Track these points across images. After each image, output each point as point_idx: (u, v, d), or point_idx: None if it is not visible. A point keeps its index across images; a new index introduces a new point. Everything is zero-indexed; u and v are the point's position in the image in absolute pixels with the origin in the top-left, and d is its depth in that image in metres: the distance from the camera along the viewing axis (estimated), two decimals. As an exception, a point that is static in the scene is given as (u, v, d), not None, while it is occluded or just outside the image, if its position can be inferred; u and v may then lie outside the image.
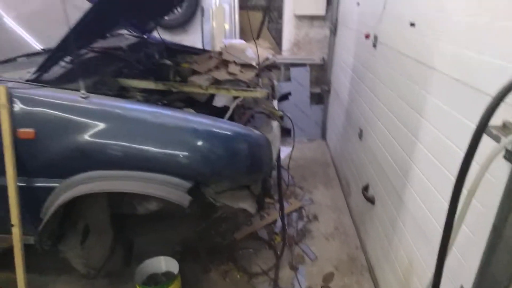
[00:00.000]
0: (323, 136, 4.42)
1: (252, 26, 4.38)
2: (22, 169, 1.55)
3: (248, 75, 2.60)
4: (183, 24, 4.31)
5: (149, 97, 1.92)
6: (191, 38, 4.36)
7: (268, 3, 4.46)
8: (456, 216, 0.94)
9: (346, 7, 3.43)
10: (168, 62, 2.60)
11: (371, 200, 2.29)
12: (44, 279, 2.22)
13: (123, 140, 1.52)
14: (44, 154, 1.54)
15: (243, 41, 3.37)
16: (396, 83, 1.98)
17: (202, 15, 4.21)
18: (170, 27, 4.28)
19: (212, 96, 2.42)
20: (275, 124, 1.94)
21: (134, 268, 2.06)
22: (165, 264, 2.16)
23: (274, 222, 2.81)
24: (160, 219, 2.40)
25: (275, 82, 2.74)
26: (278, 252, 2.47)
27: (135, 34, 2.77)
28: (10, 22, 1.99)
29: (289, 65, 4.32)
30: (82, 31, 1.53)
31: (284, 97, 4.33)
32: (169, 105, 1.88)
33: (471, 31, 1.26)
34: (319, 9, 3.99)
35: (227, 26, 4.18)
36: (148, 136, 1.54)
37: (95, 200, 1.79)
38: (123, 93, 1.89)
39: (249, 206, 1.68)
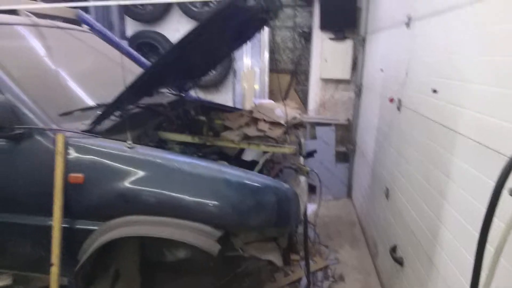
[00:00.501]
0: (349, 194, 4.40)
1: (281, 87, 4.66)
2: (66, 211, 1.68)
3: (277, 132, 2.75)
4: (217, 84, 4.65)
5: (186, 149, 2.07)
6: (223, 97, 4.68)
7: (295, 67, 4.78)
8: (484, 275, 0.95)
9: (370, 72, 3.64)
10: (202, 118, 2.81)
11: (399, 262, 2.24)
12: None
13: (161, 188, 1.63)
14: (89, 198, 1.67)
15: (272, 101, 3.60)
16: (421, 145, 2.05)
17: (234, 76, 4.55)
18: (205, 87, 4.63)
19: (241, 151, 2.56)
20: (302, 179, 2.02)
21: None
22: (188, 316, 2.14)
23: (299, 280, 2.74)
24: (185, 272, 2.43)
25: (302, 140, 2.86)
26: (302, 313, 2.39)
27: (174, 92, 3.03)
28: (68, 80, 2.28)
29: (315, 124, 4.48)
30: (135, 90, 1.74)
31: (310, 155, 4.41)
32: (204, 157, 2.01)
33: (489, 98, 1.35)
34: (344, 73, 4.23)
35: (257, 87, 4.48)
36: (184, 184, 1.65)
37: (127, 245, 1.87)
38: (162, 145, 2.06)
39: (275, 258, 1.70)
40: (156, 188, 1.63)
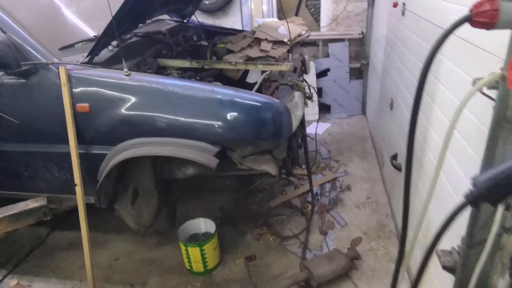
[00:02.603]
0: (363, 111, 4.39)
1: (291, 4, 4.43)
2: (80, 138, 1.86)
3: (279, 52, 2.72)
4: (223, 7, 4.48)
5: (184, 74, 2.14)
6: (231, 20, 4.54)
7: (305, -20, 4.45)
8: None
9: (382, -24, 3.35)
10: (204, 43, 2.82)
11: (398, 168, 2.33)
12: (106, 237, 2.61)
13: (157, 111, 1.76)
14: (97, 125, 1.83)
15: (276, 19, 3.47)
16: (421, 50, 1.98)
17: (240, -3, 4.35)
18: (211, 11, 4.48)
19: (245, 74, 2.60)
20: (297, 94, 2.06)
21: (177, 227, 2.34)
22: (204, 225, 2.42)
23: (307, 192, 2.94)
24: (203, 190, 2.67)
25: (306, 57, 2.82)
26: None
27: (175, 19, 3.01)
28: (70, 15, 2.32)
29: (327, 41, 4.32)
30: (123, 18, 1.77)
31: (323, 74, 4.36)
32: (201, 80, 2.08)
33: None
34: (356, -19, 3.92)
35: (264, 7, 4.29)
36: (179, 106, 1.76)
37: (140, 165, 2.07)
38: (161, 71, 2.13)
39: (271, 168, 1.84)
40: (153, 112, 1.75)
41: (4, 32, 1.79)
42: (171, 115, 1.75)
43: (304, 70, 2.66)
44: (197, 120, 1.75)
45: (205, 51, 2.77)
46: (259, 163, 1.84)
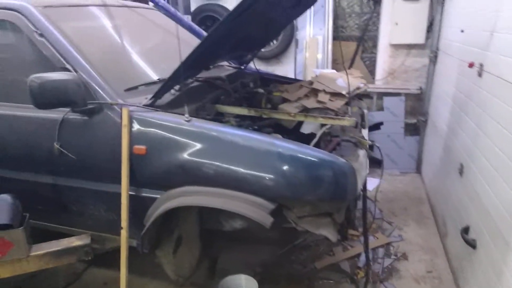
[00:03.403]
0: (418, 169, 4.10)
1: (345, 56, 4.41)
2: (132, 180, 1.82)
3: (338, 104, 2.62)
4: (278, 55, 4.55)
5: (242, 122, 2.08)
6: (285, 68, 4.58)
7: (362, 33, 4.45)
8: None
9: (448, 34, 3.24)
10: (261, 90, 2.79)
11: (471, 244, 2.05)
12: (141, 281, 2.49)
13: (216, 160, 1.68)
14: (151, 168, 1.78)
15: (334, 71, 3.42)
16: (506, 116, 1.79)
17: (296, 46, 4.40)
18: (265, 58, 4.56)
19: (299, 124, 2.51)
20: (361, 153, 1.91)
21: (217, 282, 2.18)
22: (246, 283, 2.23)
23: (358, 255, 2.68)
24: (244, 241, 2.52)
25: (365, 111, 2.70)
26: (360, 288, 2.34)
27: (233, 65, 3.04)
28: (134, 55, 2.40)
29: (382, 95, 4.19)
30: (190, 64, 1.77)
31: (376, 127, 4.19)
32: (259, 130, 2.01)
33: None
34: (418, 37, 3.83)
35: (319, 56, 4.29)
36: (238, 157, 1.67)
37: (188, 213, 1.98)
38: (219, 118, 2.09)
39: (330, 233, 1.67)
40: (211, 160, 1.68)
41: (76, 71, 1.84)
42: (228, 165, 1.66)
43: (363, 124, 2.53)
44: (254, 173, 1.64)
45: (260, 99, 2.73)
46: (317, 227, 1.68)
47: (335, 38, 4.43)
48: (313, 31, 4.28)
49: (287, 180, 1.62)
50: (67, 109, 1.85)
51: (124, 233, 1.83)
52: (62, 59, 1.85)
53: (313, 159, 1.63)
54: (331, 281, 2.48)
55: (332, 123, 2.08)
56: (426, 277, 2.48)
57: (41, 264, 1.89)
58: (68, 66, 1.83)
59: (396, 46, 4.07)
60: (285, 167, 1.63)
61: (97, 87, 1.83)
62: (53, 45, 1.87)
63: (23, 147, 2.00)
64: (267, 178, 1.63)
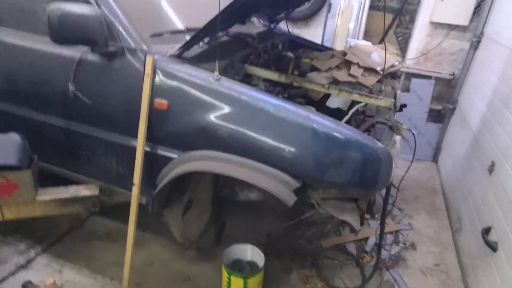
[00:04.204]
0: (435, 158, 3.97)
1: (378, 28, 4.12)
2: (150, 136, 1.69)
3: (371, 80, 2.44)
4: (307, 17, 4.24)
5: (271, 87, 1.92)
6: (312, 33, 4.29)
7: (402, 5, 4.12)
8: None
9: (500, 19, 2.96)
10: (290, 54, 2.59)
11: (492, 246, 1.96)
12: (144, 236, 2.44)
13: (243, 127, 1.54)
14: (171, 126, 1.65)
15: (370, 43, 3.18)
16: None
17: (328, 11, 4.10)
18: (293, 19, 4.25)
19: (326, 96, 2.33)
20: (398, 138, 1.77)
21: (222, 249, 2.12)
22: (251, 253, 2.18)
23: (366, 239, 2.62)
24: (252, 209, 2.44)
25: (398, 92, 2.52)
26: (366, 273, 2.30)
27: (264, 23, 2.81)
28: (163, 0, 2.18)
29: (410, 75, 3.96)
30: (228, 16, 1.58)
31: (399, 109, 4.00)
32: (290, 99, 1.85)
33: None
34: (462, 18, 3.53)
35: (351, 25, 4.00)
36: (267, 127, 1.53)
37: (203, 178, 1.87)
38: (247, 79, 1.93)
39: (353, 220, 1.57)
40: (238, 126, 1.54)
41: (99, 6, 1.65)
42: (256, 134, 1.52)
43: (396, 107, 2.36)
44: (283, 147, 1.50)
45: (288, 63, 2.54)
46: (342, 211, 1.58)
47: (372, 7, 4.12)
48: (350, -3, 3.96)
49: (318, 159, 1.49)
50: (86, 48, 1.68)
51: (135, 189, 1.74)
52: (84, -11, 1.65)
53: (349, 139, 1.49)
54: (336, 261, 2.44)
55: (368, 102, 1.91)
56: (433, 269, 2.43)
57: (46, 210, 1.82)
58: (91, -1, 1.64)
59: (436, 25, 3.77)
60: (318, 145, 1.49)
61: (121, 29, 1.65)
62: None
63: (35, 84, 1.85)
64: (296, 154, 1.50)
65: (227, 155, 1.58)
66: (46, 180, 1.93)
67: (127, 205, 1.81)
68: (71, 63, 1.71)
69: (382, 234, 2.12)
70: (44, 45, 1.75)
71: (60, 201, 1.82)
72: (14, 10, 1.88)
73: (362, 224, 2.31)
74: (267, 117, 1.53)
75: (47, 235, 2.33)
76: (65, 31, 1.49)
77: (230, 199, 2.03)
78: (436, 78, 3.88)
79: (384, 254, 2.51)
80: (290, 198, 1.50)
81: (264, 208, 2.16)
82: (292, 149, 1.50)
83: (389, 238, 2.68)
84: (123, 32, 1.64)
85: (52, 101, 1.83)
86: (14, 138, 1.70)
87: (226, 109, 1.55)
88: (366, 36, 4.17)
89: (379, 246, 2.24)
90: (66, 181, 2.02)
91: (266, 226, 2.59)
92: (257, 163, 1.54)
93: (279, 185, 1.51)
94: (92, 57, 1.69)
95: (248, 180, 1.52)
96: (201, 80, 1.59)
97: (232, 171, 1.55)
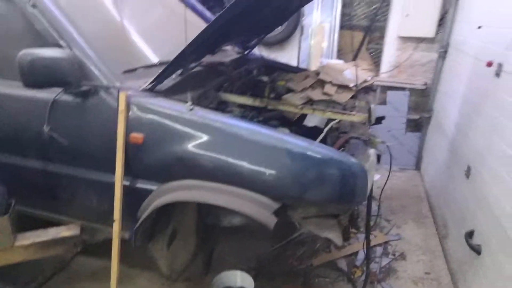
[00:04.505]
0: (417, 166, 4.04)
1: (351, 46, 4.27)
2: (127, 170, 1.69)
3: (344, 97, 2.51)
4: (281, 41, 4.38)
5: (246, 113, 1.96)
6: (287, 55, 4.41)
7: (370, 23, 4.30)
8: None
9: (463, 30, 3.11)
10: (265, 78, 2.65)
11: (476, 250, 1.99)
12: (131, 272, 2.38)
13: (218, 153, 1.56)
14: (148, 159, 1.66)
15: (341, 61, 3.29)
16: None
17: (301, 33, 4.24)
18: (268, 44, 4.38)
19: (303, 115, 2.39)
20: (372, 152, 1.81)
21: (211, 277, 2.09)
22: (241, 280, 2.15)
23: (355, 253, 2.62)
24: (239, 234, 2.43)
25: (373, 106, 2.59)
26: (358, 288, 2.29)
27: (237, 50, 2.89)
28: (134, 35, 2.23)
29: (386, 88, 4.08)
30: (197, 48, 1.63)
31: (377, 121, 4.09)
32: (265, 122, 1.89)
33: None
34: (428, 30, 3.70)
35: (325, 45, 4.14)
36: (242, 151, 1.56)
37: (185, 207, 1.87)
38: (222, 106, 1.97)
39: (335, 237, 1.58)
40: (214, 153, 1.56)
41: (71, 48, 1.69)
42: (231, 159, 1.54)
43: (370, 121, 2.42)
44: (259, 170, 1.53)
45: (264, 87, 2.60)
46: (323, 229, 1.59)
47: (342, 26, 4.28)
48: (320, 18, 4.12)
49: (294, 179, 1.52)
50: (59, 90, 1.70)
51: (116, 225, 1.72)
52: (55, 34, 1.69)
53: (323, 158, 1.53)
54: (327, 279, 2.42)
55: (342, 118, 1.97)
56: (424, 278, 2.43)
57: (26, 255, 1.78)
58: (62, 42, 1.67)
59: (405, 39, 3.94)
60: (293, 165, 1.52)
61: (93, 68, 1.68)
62: (46, 17, 1.70)
63: (10, 128, 1.85)
64: (272, 175, 1.53)
65: (205, 183, 1.59)
66: (25, 222, 1.90)
67: (110, 242, 1.79)
68: (45, 105, 1.72)
69: (368, 247, 2.14)
70: (17, 89, 1.76)
71: (40, 244, 1.79)
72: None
73: (347, 239, 2.34)
74: (241, 142, 1.56)
75: (31, 281, 2.27)
76: (36, 75, 1.52)
77: (215, 226, 2.03)
78: (411, 89, 4.00)
79: (375, 266, 2.52)
80: (270, 221, 1.51)
81: (249, 232, 2.16)
82: (269, 172, 1.53)
83: (379, 250, 2.69)
84: (95, 71, 1.68)
85: (28, 144, 1.83)
86: (-10, 184, 1.69)
87: (201, 138, 1.58)
88: (340, 55, 4.32)
89: (367, 260, 2.25)
90: (48, 223, 1.99)
91: (254, 249, 2.58)
92: (235, 188, 1.56)
93: (258, 208, 1.52)
94: (66, 97, 1.71)
95: (227, 206, 1.53)
96: (174, 111, 1.62)
97: (211, 199, 1.56)
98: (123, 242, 1.82)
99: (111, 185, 1.70)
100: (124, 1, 2.34)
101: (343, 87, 2.64)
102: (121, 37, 2.10)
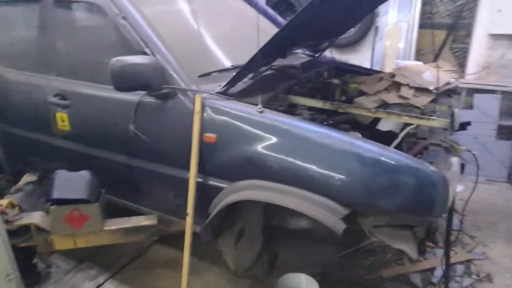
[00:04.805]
0: (510, 179, 3.60)
1: (432, 46, 3.97)
2: (201, 168, 1.79)
3: (423, 101, 2.35)
4: (354, 42, 4.26)
5: (316, 115, 1.94)
6: (360, 57, 4.27)
7: (455, 21, 3.95)
8: None
9: None
10: (335, 81, 2.60)
11: None
12: (200, 265, 2.52)
13: (287, 155, 1.58)
14: (219, 158, 1.74)
15: (420, 63, 3.08)
16: None
17: (376, 34, 4.07)
18: (340, 46, 4.29)
19: (376, 119, 2.29)
20: (455, 160, 1.66)
21: (276, 277, 2.11)
22: (306, 284, 2.12)
23: (432, 269, 2.43)
24: (306, 238, 2.40)
25: (456, 111, 2.38)
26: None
27: (308, 53, 2.88)
28: (209, 40, 2.36)
29: (472, 91, 3.71)
30: (269, 52, 1.67)
31: (462, 127, 3.73)
32: (335, 126, 1.85)
33: None
34: (526, 26, 3.28)
35: (401, 46, 3.92)
36: (311, 155, 1.55)
37: (252, 207, 1.92)
38: (292, 109, 1.97)
39: (409, 249, 1.48)
40: (282, 155, 1.58)
41: (154, 55, 1.84)
42: (300, 162, 1.54)
43: (453, 126, 2.22)
44: (328, 174, 1.50)
45: (334, 90, 2.55)
46: (395, 239, 1.50)
47: (422, 25, 4.00)
48: (397, 18, 3.90)
49: (365, 185, 1.46)
50: (143, 93, 1.87)
51: (189, 219, 1.83)
52: (142, 43, 1.86)
53: (397, 164, 1.44)
54: (399, 294, 2.28)
55: (420, 123, 1.84)
56: (514, 306, 2.16)
57: (112, 239, 1.98)
58: (147, 50, 1.84)
59: (496, 37, 3.55)
60: (364, 171, 1.47)
61: (172, 72, 1.82)
62: (134, 28, 1.89)
63: (103, 126, 2.09)
64: (341, 180, 1.49)
65: (274, 184, 1.61)
66: (109, 211, 2.12)
67: (183, 234, 1.91)
68: (131, 106, 1.90)
69: (448, 264, 1.96)
70: (109, 92, 1.98)
71: (124, 230, 1.98)
72: (86, 65, 2.18)
73: (423, 253, 2.16)
74: (310, 144, 1.55)
75: (114, 263, 2.52)
76: (125, 80, 1.69)
77: (282, 228, 2.04)
78: (503, 92, 3.59)
79: (454, 286, 2.30)
80: (339, 226, 1.47)
81: (316, 236, 2.13)
82: (338, 176, 1.50)
83: (460, 268, 2.45)
84: (175, 75, 1.81)
85: (116, 140, 2.04)
86: (85, 175, 1.92)
87: (270, 139, 1.61)
88: (419, 55, 4.04)
89: (446, 277, 2.07)
90: (127, 213, 2.20)
91: (320, 255, 2.53)
92: (303, 191, 1.55)
93: (327, 213, 1.50)
94: (149, 99, 1.87)
95: (295, 208, 1.53)
96: (245, 113, 1.67)
97: (279, 200, 1.57)
98: (194, 235, 1.93)
99: (186, 181, 1.81)
100: (200, 9, 2.49)
101: (421, 90, 2.47)
102: (197, 44, 2.24)
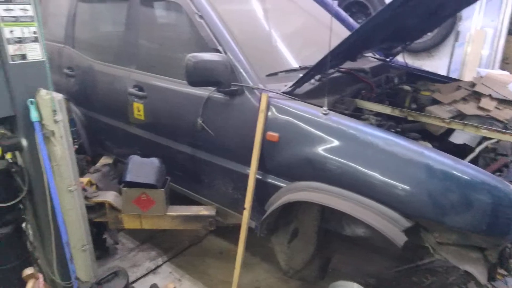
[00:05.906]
0: None
1: (521, 54, 3.59)
2: (261, 165, 1.83)
3: (506, 114, 2.15)
4: (430, 48, 4.01)
5: (383, 122, 1.88)
6: (436, 64, 4.01)
7: (552, 27, 3.53)
8: None
9: None
10: (406, 87, 2.48)
11: None
12: (252, 260, 2.57)
13: (350, 160, 1.55)
14: (280, 157, 1.76)
15: (506, 72, 2.81)
16: None
17: (456, 39, 3.79)
18: (414, 51, 4.08)
19: (449, 130, 2.14)
20: (540, 182, 1.50)
21: (326, 283, 2.07)
22: (357, 293, 2.07)
23: (501, 300, 2.20)
24: (361, 246, 2.33)
25: (546, 127, 2.13)
26: None
27: (378, 57, 2.78)
28: (278, 40, 2.39)
29: None
30: (339, 54, 1.65)
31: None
32: (403, 134, 1.77)
33: None
34: None
35: (485, 53, 3.60)
36: (376, 161, 1.50)
37: (309, 208, 1.91)
38: (358, 114, 1.93)
39: (478, 272, 1.37)
40: (345, 159, 1.55)
41: (226, 53, 1.92)
42: (364, 168, 1.51)
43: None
44: (393, 183, 1.45)
45: (404, 96, 2.43)
46: (463, 260, 1.40)
47: (510, 32, 3.64)
48: (482, 22, 3.59)
49: (433, 198, 1.38)
50: (212, 89, 1.96)
51: (246, 213, 1.88)
52: (215, 41, 1.95)
53: (471, 180, 1.34)
54: (459, 321, 2.10)
55: (501, 138, 1.68)
56: None
57: (173, 224, 2.11)
58: (219, 47, 1.92)
59: None
60: (432, 183, 1.39)
61: (242, 71, 1.88)
62: (209, 27, 1.98)
63: (173, 118, 2.22)
64: (405, 191, 1.43)
65: (333, 188, 1.59)
66: (173, 198, 2.26)
67: (239, 227, 1.97)
68: (201, 101, 2.00)
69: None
70: (182, 86, 2.10)
71: (184, 217, 2.10)
72: (163, 60, 2.33)
73: (493, 279, 1.99)
74: (375, 151, 1.50)
75: (172, 247, 2.68)
76: (198, 75, 1.78)
77: (336, 233, 2.00)
78: None
79: (527, 322, 2.06)
80: (399, 238, 1.41)
81: (373, 246, 2.05)
82: (403, 186, 1.43)
83: (535, 304, 2.19)
84: (244, 74, 1.87)
85: (184, 132, 2.16)
86: (154, 162, 2.07)
87: (334, 143, 1.59)
88: (504, 64, 3.68)
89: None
90: (188, 201, 2.32)
91: (376, 266, 2.43)
92: (363, 198, 1.52)
93: (387, 223, 1.44)
94: (217, 95, 1.95)
95: (353, 214, 1.50)
96: (310, 115, 1.67)
97: (337, 204, 1.55)
98: (249, 230, 1.98)
99: (245, 176, 1.87)
100: (271, 9, 2.53)
101: (506, 102, 2.27)
102: (267, 43, 2.28)
